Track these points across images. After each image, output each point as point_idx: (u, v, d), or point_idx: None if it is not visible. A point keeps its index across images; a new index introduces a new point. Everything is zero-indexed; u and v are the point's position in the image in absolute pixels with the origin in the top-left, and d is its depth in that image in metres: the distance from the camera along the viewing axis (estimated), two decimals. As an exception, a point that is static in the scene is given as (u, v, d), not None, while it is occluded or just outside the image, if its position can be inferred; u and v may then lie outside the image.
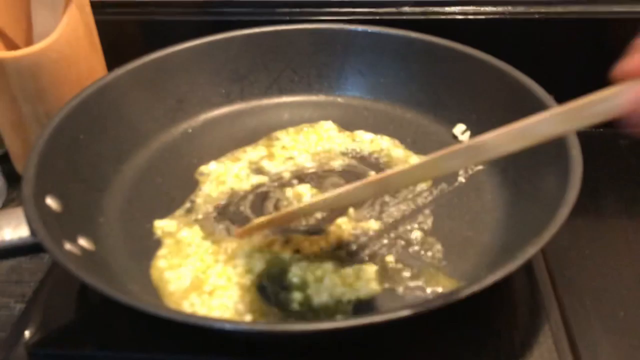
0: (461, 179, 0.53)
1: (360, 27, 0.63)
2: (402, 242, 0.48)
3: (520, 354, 0.41)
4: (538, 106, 0.49)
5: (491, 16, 0.65)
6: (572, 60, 0.66)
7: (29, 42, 0.61)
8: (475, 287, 0.35)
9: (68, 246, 0.41)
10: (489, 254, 0.46)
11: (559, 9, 0.64)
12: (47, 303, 0.47)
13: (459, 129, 0.58)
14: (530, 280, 0.46)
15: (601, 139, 0.60)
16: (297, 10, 0.68)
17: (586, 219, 0.53)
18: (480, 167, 0.54)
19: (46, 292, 0.48)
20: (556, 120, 0.29)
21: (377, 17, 0.66)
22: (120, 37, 0.69)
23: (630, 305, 0.47)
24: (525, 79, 0.53)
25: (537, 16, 0.65)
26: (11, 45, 0.59)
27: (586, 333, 0.44)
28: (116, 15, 0.69)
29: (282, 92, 0.64)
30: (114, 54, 0.65)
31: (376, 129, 0.60)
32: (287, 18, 0.68)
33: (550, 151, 0.44)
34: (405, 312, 0.35)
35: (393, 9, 0.67)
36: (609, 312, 0.46)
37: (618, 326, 0.45)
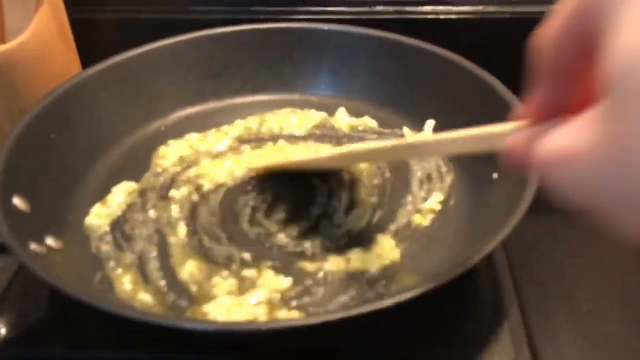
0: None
1: (334, 27, 0.63)
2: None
3: (480, 350, 0.42)
4: (503, 107, 0.50)
5: (463, 16, 0.66)
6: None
7: (1, 40, 0.61)
8: (432, 285, 0.36)
9: (34, 246, 0.42)
10: (451, 251, 0.47)
11: (530, 8, 0.65)
12: (18, 302, 0.47)
13: (429, 124, 0.59)
14: (492, 276, 0.47)
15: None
16: (272, 9, 0.69)
17: (549, 213, 0.54)
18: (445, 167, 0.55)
19: (16, 290, 0.48)
20: (448, 143, 0.36)
21: (351, 17, 0.67)
22: (95, 35, 0.69)
23: (593, 299, 0.48)
24: (492, 80, 0.54)
25: (507, 16, 0.65)
26: (-17, 44, 0.59)
27: (547, 329, 0.45)
28: (91, 12, 0.69)
29: (256, 90, 0.65)
30: (89, 52, 0.65)
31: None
32: (262, 17, 0.68)
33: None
34: (362, 309, 0.36)
35: (366, 8, 0.67)
36: (571, 306, 0.47)
37: (580, 321, 0.46)
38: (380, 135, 0.60)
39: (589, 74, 0.24)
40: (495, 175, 0.49)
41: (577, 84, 0.25)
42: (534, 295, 0.47)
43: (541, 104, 0.26)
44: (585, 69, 0.24)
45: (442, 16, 0.66)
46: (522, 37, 0.65)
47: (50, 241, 0.45)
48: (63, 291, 0.36)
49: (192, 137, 0.60)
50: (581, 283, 0.49)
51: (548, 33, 0.24)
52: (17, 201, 0.45)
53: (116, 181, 0.54)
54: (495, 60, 0.55)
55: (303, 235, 0.49)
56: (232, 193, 0.53)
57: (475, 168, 0.52)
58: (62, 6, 0.62)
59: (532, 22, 0.65)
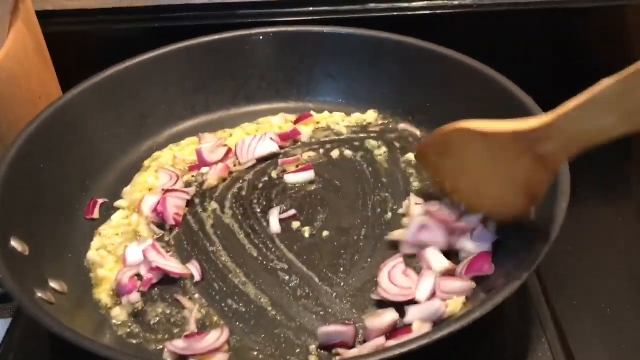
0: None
1: (327, 29, 0.60)
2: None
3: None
4: (517, 108, 0.48)
5: (459, 10, 0.64)
6: (540, 50, 0.65)
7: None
8: (477, 315, 0.35)
9: (40, 294, 0.38)
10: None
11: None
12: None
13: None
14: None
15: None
16: (258, 12, 0.66)
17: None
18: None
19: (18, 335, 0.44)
20: None
21: (342, 16, 0.64)
22: (73, 50, 0.65)
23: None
24: (496, 75, 0.51)
25: (504, 8, 0.64)
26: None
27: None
28: (66, 25, 0.65)
29: (249, 100, 0.62)
30: (67, 68, 0.61)
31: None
32: (249, 21, 0.65)
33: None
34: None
35: (358, 7, 0.65)
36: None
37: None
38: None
39: None
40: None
41: None
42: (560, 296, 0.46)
43: None
44: None
45: (438, 11, 0.64)
46: (516, 29, 0.65)
47: (54, 284, 0.41)
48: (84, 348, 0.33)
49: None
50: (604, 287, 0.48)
51: None
52: (15, 244, 0.41)
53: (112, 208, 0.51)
54: (496, 54, 0.53)
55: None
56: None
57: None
58: (36, 22, 0.58)
59: (524, 14, 0.64)
